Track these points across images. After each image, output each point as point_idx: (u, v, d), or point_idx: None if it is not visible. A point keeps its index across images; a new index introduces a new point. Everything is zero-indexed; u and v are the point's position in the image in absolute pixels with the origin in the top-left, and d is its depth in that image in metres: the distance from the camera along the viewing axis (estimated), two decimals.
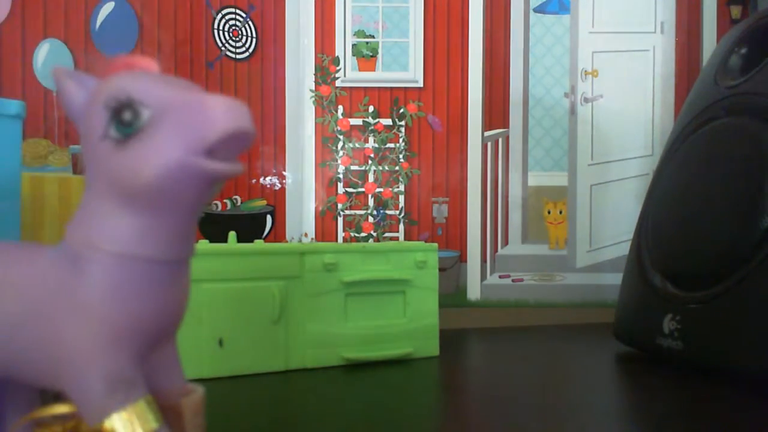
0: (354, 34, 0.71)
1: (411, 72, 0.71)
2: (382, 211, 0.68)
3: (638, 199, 0.69)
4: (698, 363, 0.47)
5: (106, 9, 0.68)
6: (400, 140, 0.71)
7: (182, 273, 0.20)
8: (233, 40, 0.71)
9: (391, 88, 0.71)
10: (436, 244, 0.54)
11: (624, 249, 0.69)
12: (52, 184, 0.59)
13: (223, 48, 0.70)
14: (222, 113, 0.16)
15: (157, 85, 0.17)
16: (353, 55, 0.71)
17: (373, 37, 0.71)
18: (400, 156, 0.71)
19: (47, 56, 0.66)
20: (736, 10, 0.72)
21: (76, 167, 0.66)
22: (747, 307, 0.43)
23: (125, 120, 0.17)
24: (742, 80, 0.50)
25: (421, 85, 0.72)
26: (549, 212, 0.72)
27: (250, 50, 0.71)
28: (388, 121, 0.71)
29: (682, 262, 0.50)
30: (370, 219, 0.71)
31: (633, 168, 0.73)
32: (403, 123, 0.71)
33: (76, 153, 0.66)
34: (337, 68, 0.71)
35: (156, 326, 0.20)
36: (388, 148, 0.71)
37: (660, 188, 0.55)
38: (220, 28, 0.70)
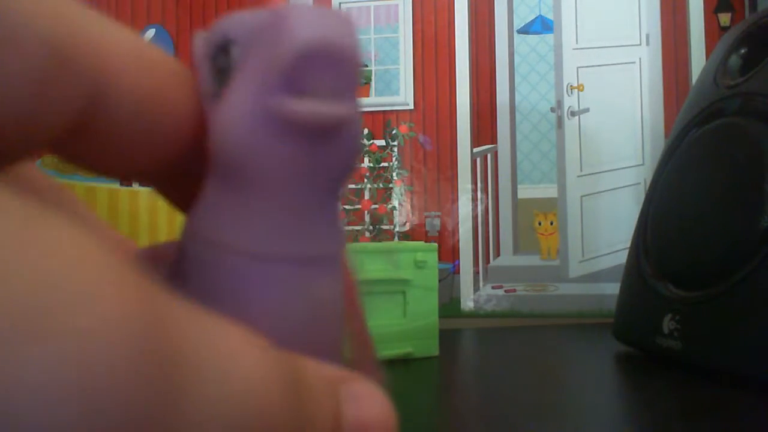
0: None
1: (402, 96, 0.76)
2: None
3: (631, 209, 0.70)
4: (698, 363, 0.46)
5: (149, 34, 0.77)
6: (393, 159, 0.76)
7: (324, 275, 0.13)
8: None
9: (384, 112, 0.77)
10: (435, 245, 0.55)
11: (619, 258, 0.69)
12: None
13: None
14: (303, 24, 0.11)
15: (257, 13, 0.12)
16: None
17: (366, 66, 0.77)
18: (394, 174, 0.76)
19: None
20: (725, 18, 0.72)
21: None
22: (747, 307, 0.43)
23: (220, 66, 0.12)
24: (741, 80, 0.50)
25: (412, 107, 0.76)
26: (540, 223, 0.74)
27: None
28: (381, 142, 0.77)
29: (681, 261, 0.50)
30: (367, 234, 0.76)
31: (624, 178, 0.73)
32: (395, 143, 0.76)
33: None
34: None
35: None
36: (382, 167, 0.76)
37: (660, 187, 0.55)
38: None
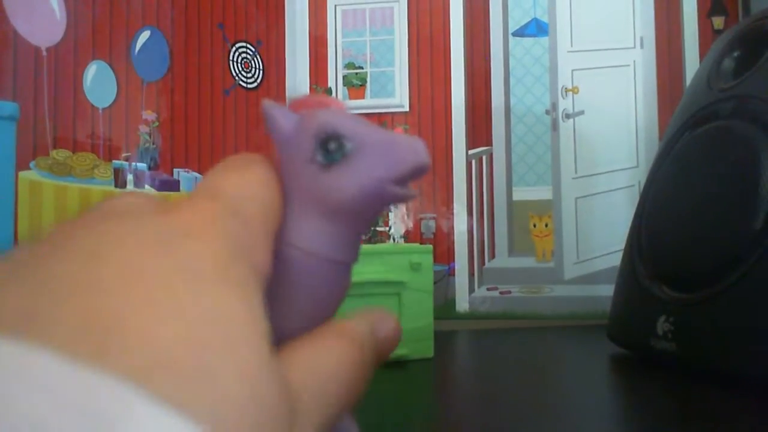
0: (344, 66, 0.78)
1: (397, 98, 0.76)
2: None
3: (625, 211, 0.70)
4: (692, 365, 0.46)
5: (144, 36, 0.77)
6: None
7: (349, 274, 0.23)
8: (245, 72, 0.79)
9: (380, 114, 0.77)
10: (430, 247, 0.55)
11: (613, 260, 0.69)
12: (49, 190, 0.64)
13: (236, 78, 0.78)
14: (410, 151, 0.20)
15: (356, 123, 0.21)
16: (344, 85, 0.77)
17: (361, 68, 0.77)
18: None
19: (94, 76, 0.75)
20: (718, 21, 0.73)
21: (118, 180, 0.75)
22: (741, 308, 0.43)
23: (330, 149, 0.20)
24: (734, 83, 0.50)
25: (407, 110, 0.76)
26: (534, 225, 0.74)
27: (259, 81, 0.79)
28: None
29: (675, 263, 0.50)
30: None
31: (618, 180, 0.74)
32: None
33: (118, 168, 0.75)
34: None
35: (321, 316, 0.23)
36: None
37: (654, 190, 0.55)
38: (234, 59, 0.79)
